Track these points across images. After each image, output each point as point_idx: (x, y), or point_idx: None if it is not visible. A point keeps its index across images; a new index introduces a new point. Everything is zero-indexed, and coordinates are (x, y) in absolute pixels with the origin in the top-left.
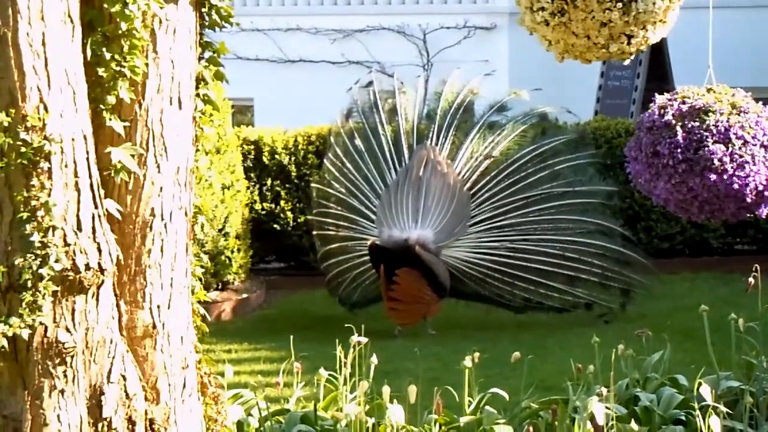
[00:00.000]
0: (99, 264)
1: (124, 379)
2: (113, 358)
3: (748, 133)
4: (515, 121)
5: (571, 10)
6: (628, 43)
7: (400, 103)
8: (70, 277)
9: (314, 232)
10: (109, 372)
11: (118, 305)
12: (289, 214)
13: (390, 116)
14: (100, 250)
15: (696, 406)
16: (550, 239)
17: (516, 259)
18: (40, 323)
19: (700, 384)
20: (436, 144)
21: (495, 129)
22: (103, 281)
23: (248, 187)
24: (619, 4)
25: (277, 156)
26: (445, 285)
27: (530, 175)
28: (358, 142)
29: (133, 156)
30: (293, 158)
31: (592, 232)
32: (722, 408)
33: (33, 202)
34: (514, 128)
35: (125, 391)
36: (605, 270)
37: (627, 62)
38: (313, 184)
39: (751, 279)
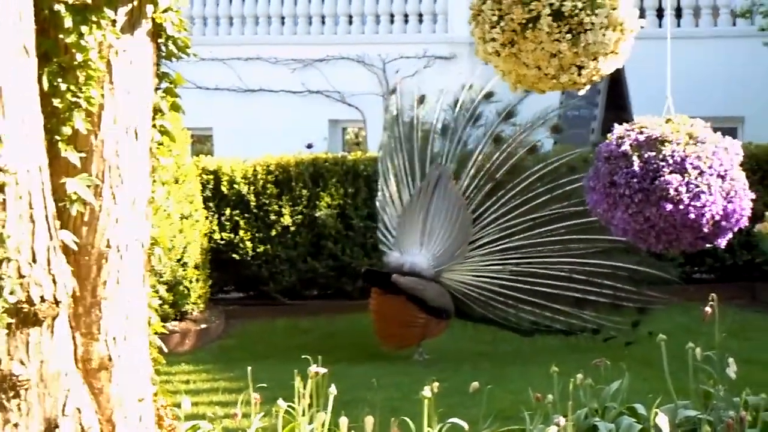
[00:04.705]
0: (54, 296)
1: (79, 411)
2: (68, 390)
3: (705, 163)
4: (523, 132)
5: (521, 41)
6: (579, 74)
7: (417, 116)
8: (25, 310)
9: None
10: (64, 405)
11: (73, 337)
12: (248, 243)
13: (409, 131)
14: (55, 282)
15: None
16: (558, 261)
17: (520, 282)
18: None
19: (656, 414)
20: (447, 161)
21: (501, 143)
22: (58, 313)
23: (207, 217)
24: (568, 36)
25: (236, 185)
26: (443, 308)
27: (540, 195)
28: (385, 158)
29: (89, 187)
30: (252, 188)
31: (608, 251)
32: None
33: None
34: (522, 143)
35: (80, 424)
36: (617, 290)
37: (582, 92)
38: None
39: (707, 308)
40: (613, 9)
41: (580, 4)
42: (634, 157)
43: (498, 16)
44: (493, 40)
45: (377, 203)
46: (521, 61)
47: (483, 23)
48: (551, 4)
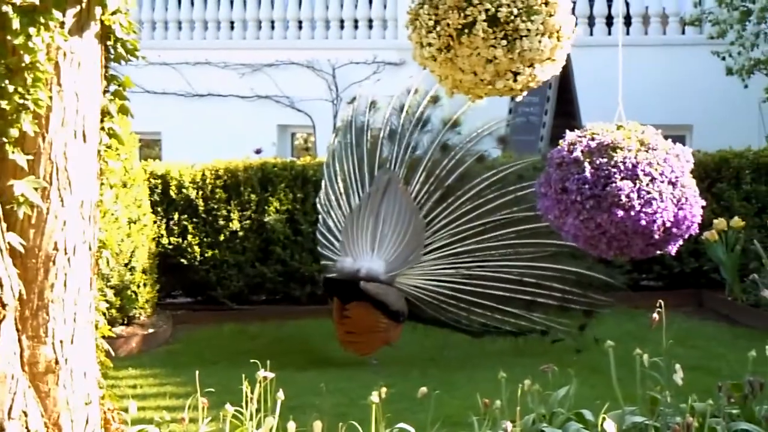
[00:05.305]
0: (0, 299)
1: (26, 415)
2: (14, 393)
3: (656, 169)
4: (470, 141)
5: (457, 47)
6: (515, 81)
7: (368, 122)
8: None
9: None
10: (10, 408)
11: (20, 340)
12: (196, 248)
13: (359, 136)
14: (1, 285)
15: None
16: (508, 265)
17: (472, 285)
18: None
19: (604, 419)
20: (396, 166)
21: (448, 151)
22: (4, 316)
23: (155, 222)
24: (504, 42)
25: (184, 190)
26: (400, 311)
27: (490, 201)
28: (335, 162)
29: (36, 189)
30: (201, 192)
31: (556, 255)
32: None
33: None
34: (470, 152)
35: (26, 428)
36: (565, 293)
37: (519, 98)
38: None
39: (655, 315)
40: (550, 16)
41: (515, 11)
42: (586, 164)
43: (434, 20)
44: (430, 44)
45: (319, 207)
46: (457, 66)
47: (420, 28)
48: (487, 10)
